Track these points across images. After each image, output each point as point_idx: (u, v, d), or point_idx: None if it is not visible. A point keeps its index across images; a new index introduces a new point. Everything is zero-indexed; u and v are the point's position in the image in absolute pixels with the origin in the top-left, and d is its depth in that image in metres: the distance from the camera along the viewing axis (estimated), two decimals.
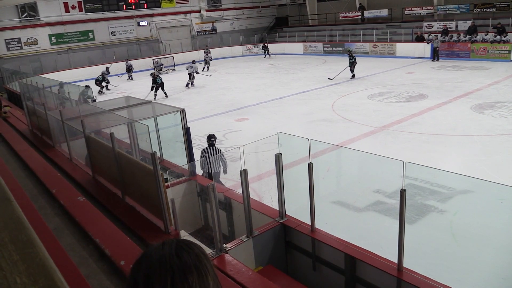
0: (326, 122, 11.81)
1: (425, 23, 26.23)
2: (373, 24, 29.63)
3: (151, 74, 18.22)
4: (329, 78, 18.11)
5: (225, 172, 7.19)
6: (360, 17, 30.92)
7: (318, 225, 4.92)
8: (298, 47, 31.41)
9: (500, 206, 6.27)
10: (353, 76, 18.58)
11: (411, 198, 6.85)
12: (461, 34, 23.68)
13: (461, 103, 12.88)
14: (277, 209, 4.95)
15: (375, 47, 26.76)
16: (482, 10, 24.64)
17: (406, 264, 4.15)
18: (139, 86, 20.65)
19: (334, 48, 29.16)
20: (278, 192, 4.83)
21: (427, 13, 27.23)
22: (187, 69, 20.05)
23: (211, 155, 7.03)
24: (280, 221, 4.87)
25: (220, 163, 7.12)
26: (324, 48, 29.76)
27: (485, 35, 22.51)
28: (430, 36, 24.34)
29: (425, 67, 20.97)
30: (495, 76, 17.05)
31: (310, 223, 4.70)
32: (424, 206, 6.75)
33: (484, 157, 8.58)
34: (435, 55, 23.03)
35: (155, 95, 17.00)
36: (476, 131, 10.10)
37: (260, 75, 21.88)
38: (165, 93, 17.35)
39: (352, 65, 18.43)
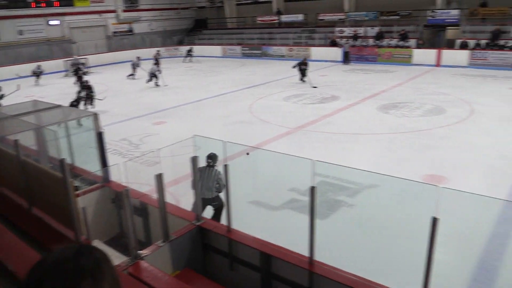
0: (244, 124, 12.04)
1: (337, 29, 27.66)
2: (290, 28, 30.64)
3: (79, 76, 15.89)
4: (314, 87, 17.43)
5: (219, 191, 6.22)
6: (277, 21, 31.81)
7: (235, 226, 5.04)
8: (217, 49, 31.53)
9: (402, 197, 6.86)
10: (304, 81, 18.29)
11: (323, 194, 7.24)
12: (370, 40, 25.37)
13: (368, 104, 13.83)
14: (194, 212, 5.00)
15: (291, 51, 27.71)
16: (387, 17, 26.55)
17: (319, 257, 4.39)
18: (51, 89, 19.47)
19: (252, 51, 29.71)
20: (194, 194, 4.87)
21: (339, 19, 28.74)
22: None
23: (205, 178, 5.99)
24: (197, 224, 4.91)
25: (214, 190, 6.08)
26: (243, 51, 30.20)
27: (390, 41, 24.33)
28: (342, 41, 25.77)
29: (337, 70, 22.16)
30: (399, 79, 18.53)
31: (227, 224, 4.80)
32: (335, 201, 7.15)
33: (389, 153, 9.30)
34: (346, 58, 24.42)
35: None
36: (382, 130, 10.91)
37: (179, 78, 21.65)
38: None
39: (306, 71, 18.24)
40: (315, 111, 13.07)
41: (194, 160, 4.72)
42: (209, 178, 6.02)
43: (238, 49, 30.53)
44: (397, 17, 26.18)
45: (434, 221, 2.98)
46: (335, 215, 6.70)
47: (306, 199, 6.81)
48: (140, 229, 5.43)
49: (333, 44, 26.16)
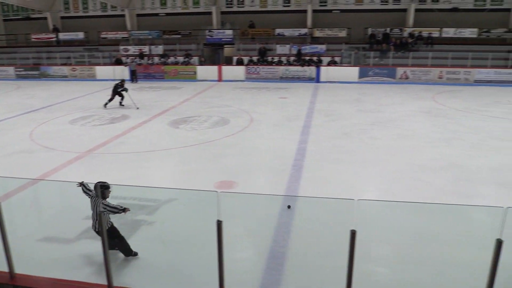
0: (25, 153, 10.76)
1: (121, 47, 27.28)
2: (70, 46, 28.78)
3: None
4: (121, 104, 16.23)
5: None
6: (55, 39, 29.50)
7: (22, 269, 4.49)
8: None
9: (196, 207, 7.21)
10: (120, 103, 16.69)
11: (122, 217, 7.05)
12: (155, 58, 25.85)
13: (159, 120, 14.10)
14: None
15: (74, 70, 26.09)
16: (170, 36, 27.53)
17: (121, 282, 4.28)
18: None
19: (28, 72, 26.81)
20: None
21: (122, 37, 28.40)
22: None
23: (92, 208, 5.35)
24: None
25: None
26: (17, 73, 26.98)
27: (175, 59, 25.30)
28: (128, 60, 25.56)
29: None
30: (186, 94, 19.46)
31: (8, 270, 4.24)
32: (135, 222, 7.05)
33: (183, 166, 9.65)
34: (133, 77, 24.32)
35: None
36: (174, 145, 11.26)
37: None
38: None
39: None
40: (105, 132, 12.61)
41: None
42: (93, 209, 5.43)
43: (11, 70, 27.11)
44: (179, 36, 27.41)
45: (219, 223, 3.28)
46: (136, 236, 6.61)
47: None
48: None
49: (118, 62, 25.71)
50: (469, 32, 24.80)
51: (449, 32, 24.84)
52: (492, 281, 3.15)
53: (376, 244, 5.97)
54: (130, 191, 7.81)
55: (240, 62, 24.59)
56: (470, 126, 13.01)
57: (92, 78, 25.41)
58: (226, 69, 24.54)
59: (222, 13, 27.83)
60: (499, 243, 3.03)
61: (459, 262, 5.50)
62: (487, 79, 21.99)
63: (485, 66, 22.25)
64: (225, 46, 27.65)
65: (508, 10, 25.37)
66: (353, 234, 3.48)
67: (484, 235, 3.14)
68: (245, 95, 19.29)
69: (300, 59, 24.01)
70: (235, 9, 27.72)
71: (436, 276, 5.24)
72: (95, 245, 6.11)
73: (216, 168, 9.41)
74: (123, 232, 6.56)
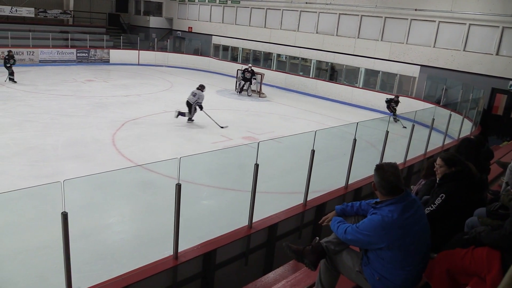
0: None
1: None
2: None
3: None
4: None
5: None
6: None
7: None
8: None
9: None
10: None
11: None
12: None
13: None
14: None
15: None
16: None
17: None
18: None
19: None
20: None
21: None
22: None
23: None
24: None
25: None
26: None
27: None
28: None
29: None
30: None
31: None
32: None
33: None
34: None
35: None
36: None
37: None
38: None
39: None
40: None
41: None
42: None
43: None
44: None
45: None
46: None
47: None
48: None
49: None
50: (26, 11, 24.09)
51: (5, 10, 23.23)
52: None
53: None
54: None
55: None
56: (41, 106, 12.90)
57: None
58: None
59: None
60: (64, 216, 3.10)
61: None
62: (52, 59, 22.19)
63: (47, 46, 22.32)
64: None
65: None
66: None
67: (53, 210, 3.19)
68: None
69: None
70: None
71: None
72: None
73: None
74: None
